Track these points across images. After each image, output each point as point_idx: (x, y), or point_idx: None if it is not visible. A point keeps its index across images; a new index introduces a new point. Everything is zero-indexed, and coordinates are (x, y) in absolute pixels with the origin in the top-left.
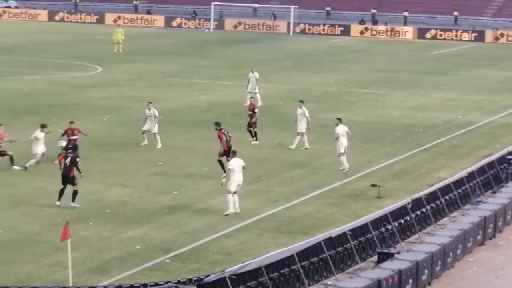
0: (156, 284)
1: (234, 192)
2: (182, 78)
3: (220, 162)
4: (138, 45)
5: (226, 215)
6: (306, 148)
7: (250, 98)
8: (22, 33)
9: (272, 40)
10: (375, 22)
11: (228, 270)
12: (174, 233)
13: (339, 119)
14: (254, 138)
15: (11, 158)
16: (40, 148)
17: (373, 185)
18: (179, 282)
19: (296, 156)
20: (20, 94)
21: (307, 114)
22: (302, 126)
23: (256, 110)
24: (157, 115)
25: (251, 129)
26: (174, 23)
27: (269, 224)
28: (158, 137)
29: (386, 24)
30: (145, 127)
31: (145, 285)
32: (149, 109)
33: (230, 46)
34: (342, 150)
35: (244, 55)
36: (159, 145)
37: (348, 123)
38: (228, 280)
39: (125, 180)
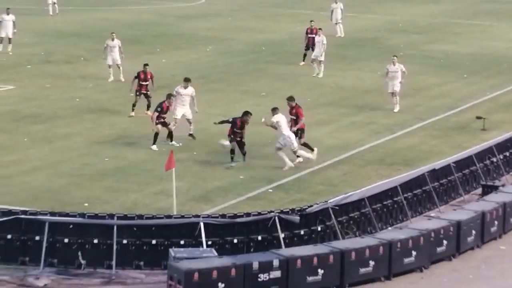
0: (259, 214)
1: (295, 152)
2: (285, 8)
3: (304, 144)
4: None
5: (287, 169)
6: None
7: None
8: None
9: None
10: None
11: (331, 200)
12: (278, 164)
13: (395, 56)
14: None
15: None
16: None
17: (478, 117)
18: (282, 211)
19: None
20: (125, 24)
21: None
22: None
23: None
24: None
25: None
26: None
27: (372, 156)
28: None
29: None
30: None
31: (248, 214)
32: None
33: None
34: (390, 90)
35: None
36: None
37: (453, 55)
38: (331, 210)
39: (228, 110)
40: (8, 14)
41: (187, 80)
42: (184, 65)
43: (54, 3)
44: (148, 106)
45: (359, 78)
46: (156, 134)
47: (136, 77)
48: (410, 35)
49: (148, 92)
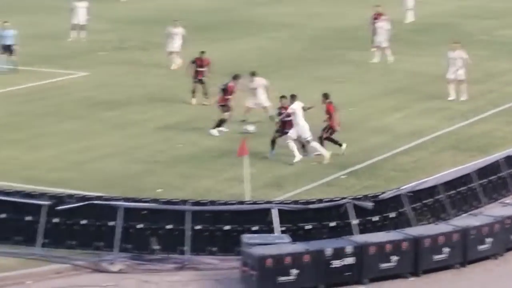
0: (333, 200)
1: (307, 142)
2: None
3: (329, 138)
4: None
5: (296, 162)
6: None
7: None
8: None
9: None
10: None
11: (404, 187)
12: (350, 150)
13: (457, 43)
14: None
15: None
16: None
17: None
18: (355, 198)
19: (472, 73)
20: (197, 11)
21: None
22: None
23: None
24: None
25: None
26: None
27: (445, 142)
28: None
29: None
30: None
31: (321, 200)
32: None
33: None
34: (451, 77)
35: None
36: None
37: None
38: (404, 197)
39: (300, 97)
40: (80, 0)
41: (253, 75)
42: (258, 51)
43: None
44: (205, 93)
45: (431, 64)
46: (222, 119)
47: (192, 62)
48: (483, 20)
49: (203, 79)
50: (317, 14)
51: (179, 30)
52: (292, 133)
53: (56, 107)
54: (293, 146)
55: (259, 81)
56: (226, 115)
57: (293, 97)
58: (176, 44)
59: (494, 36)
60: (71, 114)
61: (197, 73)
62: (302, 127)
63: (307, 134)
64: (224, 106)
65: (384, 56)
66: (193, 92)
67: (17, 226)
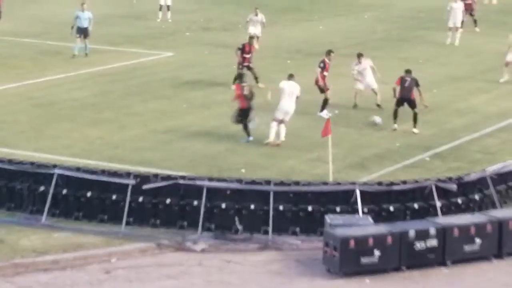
0: (416, 182)
1: (281, 121)
2: None
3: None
4: None
5: (266, 143)
6: None
7: None
8: None
9: None
10: None
11: (489, 169)
12: (434, 131)
13: None
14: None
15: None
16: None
17: None
18: (439, 180)
19: None
20: None
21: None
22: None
23: None
24: None
25: None
26: None
27: None
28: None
29: None
30: None
31: (404, 182)
32: None
33: None
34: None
35: None
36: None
37: None
38: (489, 179)
39: (386, 77)
40: None
41: (360, 56)
42: (342, 32)
43: None
44: (256, 78)
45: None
46: (326, 99)
47: (240, 49)
48: None
49: (251, 64)
50: None
51: (259, 18)
52: (276, 113)
53: (142, 87)
54: (272, 127)
55: (366, 62)
56: (328, 94)
57: (291, 76)
58: (257, 30)
59: None
60: (156, 94)
61: (244, 59)
62: (281, 108)
63: (277, 115)
64: (324, 85)
65: (454, 38)
66: (236, 78)
67: (102, 204)
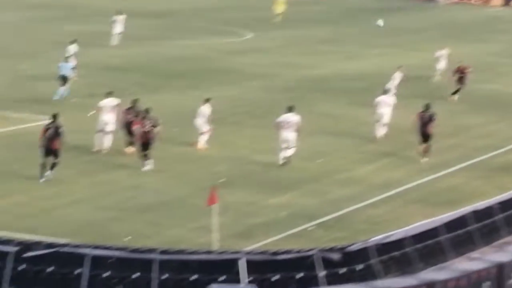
0: (299, 251)
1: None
2: (333, 45)
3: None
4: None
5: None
6: None
7: None
8: None
9: (422, 10)
10: None
11: (373, 239)
12: (319, 201)
13: None
14: None
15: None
16: None
17: None
18: (323, 250)
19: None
20: (171, 59)
21: None
22: None
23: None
24: None
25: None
26: None
27: (415, 195)
28: None
29: None
30: None
31: (289, 251)
32: None
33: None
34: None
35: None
36: None
37: (499, 95)
38: (373, 249)
39: (272, 146)
40: None
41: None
42: (228, 100)
43: None
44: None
45: (400, 117)
46: None
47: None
48: None
49: None
50: (291, 65)
51: None
52: None
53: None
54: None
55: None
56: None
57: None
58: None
59: (468, 90)
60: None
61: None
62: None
63: None
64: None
65: None
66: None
67: None
